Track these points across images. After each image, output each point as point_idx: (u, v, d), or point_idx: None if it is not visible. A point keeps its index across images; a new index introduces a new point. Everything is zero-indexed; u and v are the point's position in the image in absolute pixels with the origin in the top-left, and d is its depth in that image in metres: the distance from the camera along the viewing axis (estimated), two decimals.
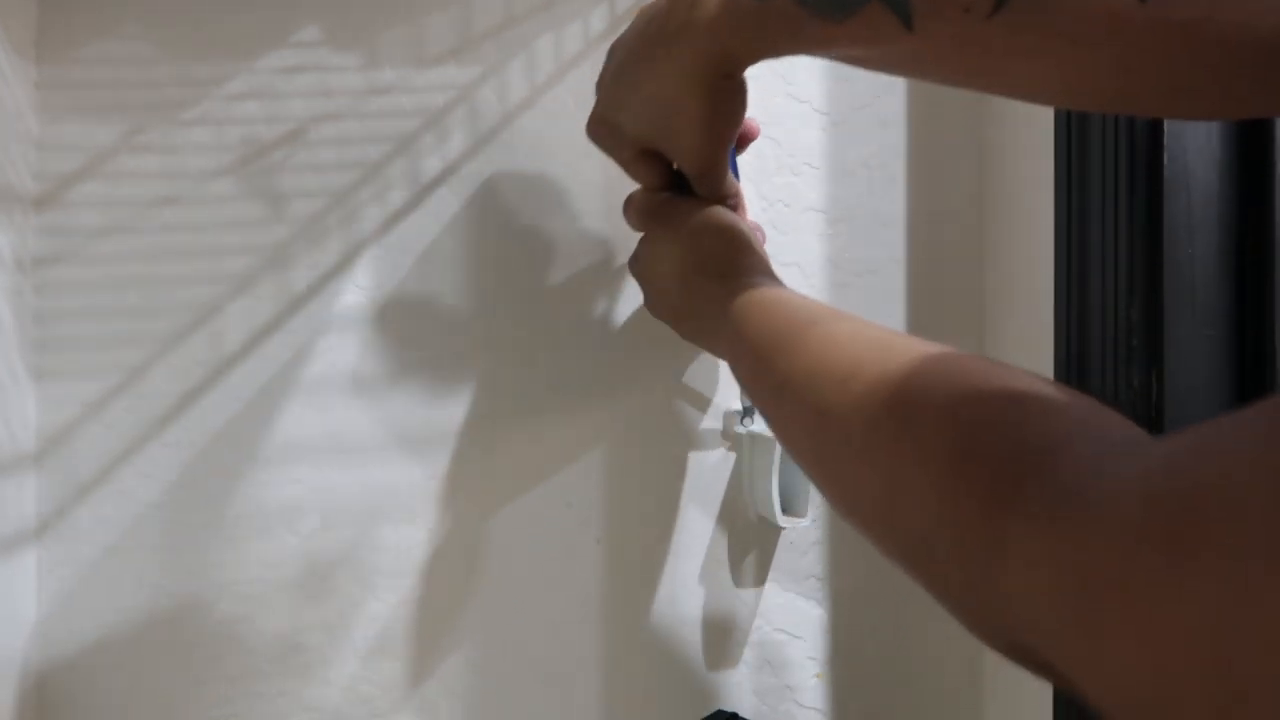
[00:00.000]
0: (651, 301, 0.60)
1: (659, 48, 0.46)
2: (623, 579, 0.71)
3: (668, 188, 0.56)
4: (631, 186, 0.62)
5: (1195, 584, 0.18)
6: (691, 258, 0.51)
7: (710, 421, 0.72)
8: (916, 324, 0.77)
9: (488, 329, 0.70)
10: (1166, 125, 0.57)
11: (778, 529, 0.72)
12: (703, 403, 0.72)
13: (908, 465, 0.28)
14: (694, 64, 0.45)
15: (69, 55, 0.66)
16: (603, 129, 0.53)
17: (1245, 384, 0.57)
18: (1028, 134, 0.71)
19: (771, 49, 0.44)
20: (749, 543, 0.73)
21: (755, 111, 0.73)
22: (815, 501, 0.71)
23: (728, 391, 0.72)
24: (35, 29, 0.65)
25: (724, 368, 0.72)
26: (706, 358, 0.72)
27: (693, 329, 0.55)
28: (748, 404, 0.71)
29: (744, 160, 0.73)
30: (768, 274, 0.49)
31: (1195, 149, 0.57)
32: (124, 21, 0.66)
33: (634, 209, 0.59)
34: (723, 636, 0.72)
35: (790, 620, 0.73)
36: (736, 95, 0.48)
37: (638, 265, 0.60)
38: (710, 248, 0.51)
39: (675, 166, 0.56)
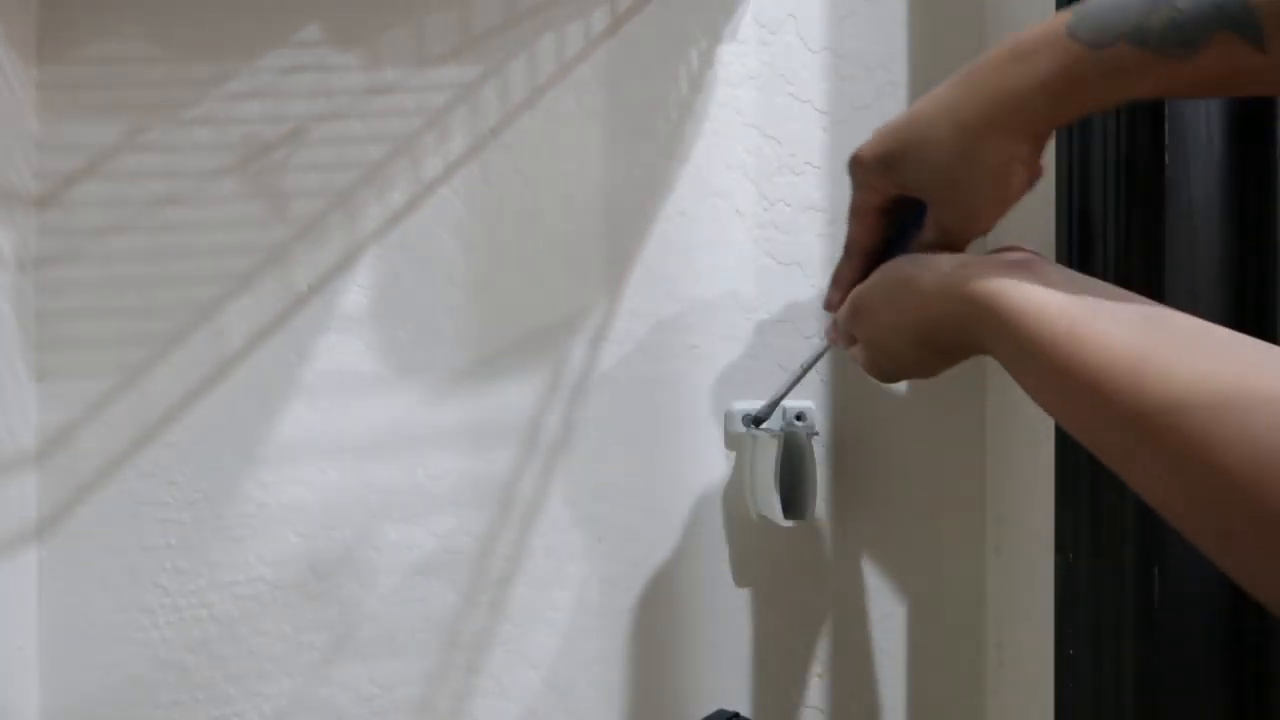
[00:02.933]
0: (892, 373, 0.50)
1: (981, 114, 0.41)
2: (623, 579, 0.71)
3: (872, 252, 0.51)
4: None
5: None
6: (937, 335, 0.44)
7: (711, 421, 0.72)
8: None
9: (488, 329, 0.70)
10: (1167, 125, 0.57)
11: (779, 529, 0.73)
12: (704, 403, 0.72)
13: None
14: (1019, 128, 0.41)
15: (70, 55, 0.66)
16: (876, 163, 0.46)
17: None
18: None
19: (1105, 104, 0.40)
20: (750, 543, 0.73)
21: (757, 111, 0.73)
22: (816, 501, 0.71)
23: (729, 392, 0.72)
24: (36, 29, 0.65)
25: (723, 368, 0.72)
26: (705, 358, 0.72)
27: (947, 362, 0.48)
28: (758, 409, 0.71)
29: (744, 159, 0.73)
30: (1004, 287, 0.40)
31: (1195, 149, 0.57)
32: (125, 21, 0.66)
33: (857, 309, 0.49)
34: (723, 635, 0.72)
35: (790, 620, 0.73)
36: (1041, 156, 0.44)
37: (879, 365, 0.50)
38: (954, 320, 0.43)
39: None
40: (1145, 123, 0.57)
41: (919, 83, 0.75)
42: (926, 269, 0.44)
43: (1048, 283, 0.39)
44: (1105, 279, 0.59)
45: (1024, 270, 0.40)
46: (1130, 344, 0.34)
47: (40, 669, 0.65)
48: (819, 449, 0.73)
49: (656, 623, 0.71)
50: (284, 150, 0.67)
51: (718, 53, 0.72)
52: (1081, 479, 0.61)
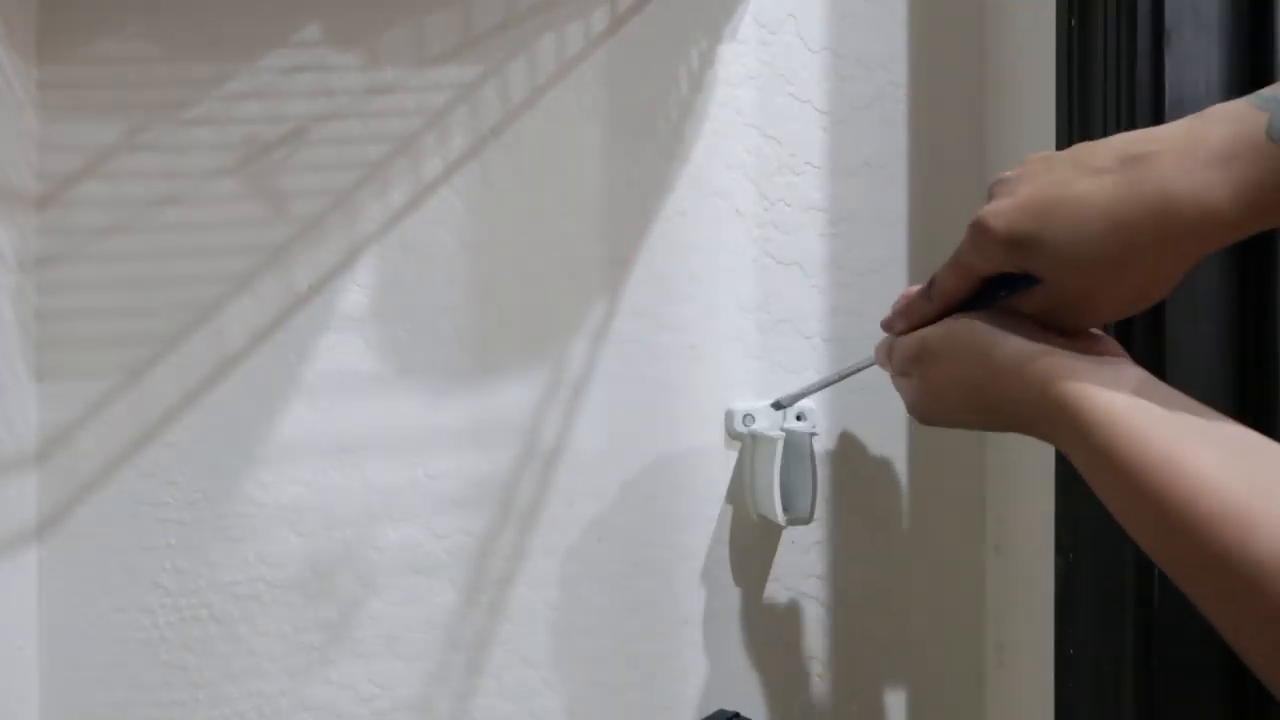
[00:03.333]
0: (932, 419, 0.48)
1: (1151, 221, 0.37)
2: (623, 579, 0.71)
3: (958, 305, 0.46)
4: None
5: None
6: (1001, 408, 0.42)
7: (711, 421, 0.72)
8: None
9: (488, 328, 0.70)
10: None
11: (779, 528, 0.73)
12: (704, 403, 0.72)
13: None
14: (1196, 243, 0.37)
15: (71, 55, 0.66)
16: (1007, 242, 0.41)
17: (1246, 383, 0.57)
18: (1029, 133, 0.71)
19: None
20: (750, 542, 0.73)
21: (757, 111, 0.73)
22: (817, 501, 0.71)
23: (729, 391, 0.72)
24: (36, 29, 0.65)
25: (723, 368, 0.72)
26: (705, 358, 0.72)
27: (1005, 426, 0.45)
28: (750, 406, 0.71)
29: (744, 159, 0.73)
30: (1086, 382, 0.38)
31: None
32: (126, 21, 0.66)
33: (923, 352, 0.46)
34: (723, 636, 0.72)
35: (790, 620, 0.73)
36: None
37: (921, 408, 0.48)
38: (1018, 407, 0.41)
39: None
40: (1146, 120, 0.57)
41: (919, 83, 0.75)
42: (1005, 341, 0.41)
43: (1139, 393, 0.36)
44: None
45: (1113, 373, 0.37)
46: (1233, 481, 0.32)
47: (40, 669, 0.65)
48: (819, 449, 0.73)
49: (656, 623, 0.71)
50: (284, 150, 0.67)
51: (718, 53, 0.72)
52: (1082, 479, 0.61)
